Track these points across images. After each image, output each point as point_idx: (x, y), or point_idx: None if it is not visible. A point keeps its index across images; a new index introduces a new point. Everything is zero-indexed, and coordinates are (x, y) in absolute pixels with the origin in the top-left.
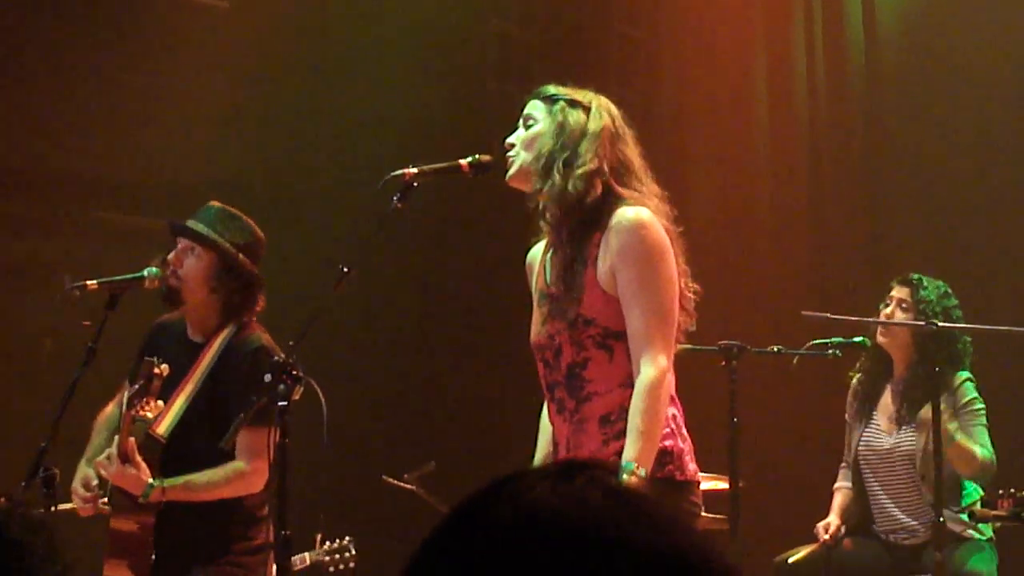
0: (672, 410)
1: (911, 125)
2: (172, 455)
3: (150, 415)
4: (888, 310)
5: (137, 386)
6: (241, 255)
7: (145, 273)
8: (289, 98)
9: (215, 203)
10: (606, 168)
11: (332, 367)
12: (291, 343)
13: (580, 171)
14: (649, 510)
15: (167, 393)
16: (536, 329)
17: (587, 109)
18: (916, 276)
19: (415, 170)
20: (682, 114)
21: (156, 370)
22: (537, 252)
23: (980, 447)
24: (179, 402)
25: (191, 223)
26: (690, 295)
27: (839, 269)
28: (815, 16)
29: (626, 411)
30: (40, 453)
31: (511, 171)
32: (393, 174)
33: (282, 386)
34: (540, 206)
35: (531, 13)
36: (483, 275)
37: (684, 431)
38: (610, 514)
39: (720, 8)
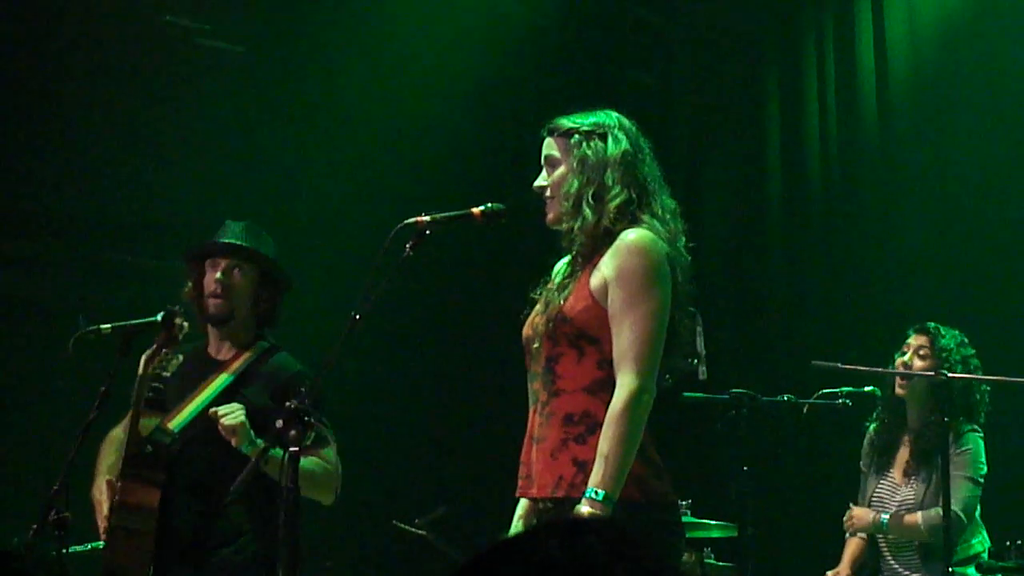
0: None
1: (925, 173)
2: (183, 457)
3: (167, 374)
4: (905, 358)
5: (155, 345)
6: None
7: (158, 317)
8: (305, 142)
9: (233, 221)
10: (634, 195)
11: (343, 411)
12: (302, 389)
13: (612, 204)
14: (653, 568)
15: (180, 399)
16: (528, 322)
17: (604, 136)
18: (933, 324)
19: (427, 218)
20: (695, 163)
21: (176, 320)
22: (561, 265)
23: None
24: (194, 404)
25: (230, 240)
26: (686, 329)
27: (850, 319)
28: (828, 69)
29: (588, 416)
30: (52, 496)
31: (548, 218)
32: (405, 222)
33: (293, 432)
34: (572, 240)
35: (546, 59)
36: (496, 320)
37: (647, 452)
38: (614, 573)
39: (732, 58)
